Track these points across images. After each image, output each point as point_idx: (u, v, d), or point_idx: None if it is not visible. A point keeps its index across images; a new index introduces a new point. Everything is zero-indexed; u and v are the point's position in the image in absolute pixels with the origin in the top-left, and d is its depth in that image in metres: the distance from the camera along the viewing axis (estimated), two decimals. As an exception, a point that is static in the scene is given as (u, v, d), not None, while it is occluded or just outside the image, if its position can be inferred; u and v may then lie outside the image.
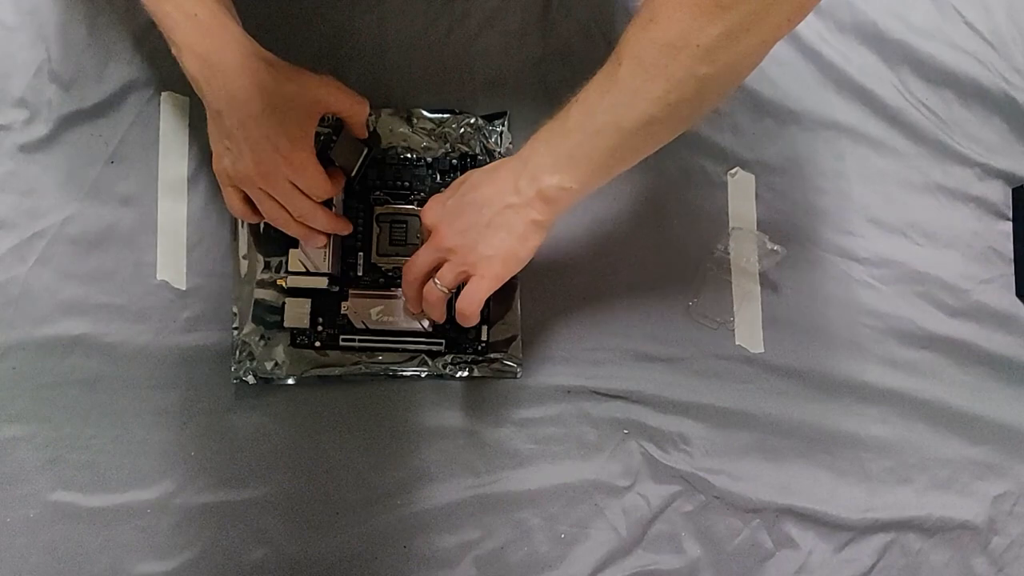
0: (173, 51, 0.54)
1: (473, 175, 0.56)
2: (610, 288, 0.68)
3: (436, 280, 0.57)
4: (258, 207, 0.58)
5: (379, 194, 0.66)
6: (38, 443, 0.65)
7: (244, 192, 0.57)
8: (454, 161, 0.67)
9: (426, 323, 0.65)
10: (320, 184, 0.57)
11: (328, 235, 0.62)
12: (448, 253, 0.56)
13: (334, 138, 0.61)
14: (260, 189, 0.56)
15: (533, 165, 0.52)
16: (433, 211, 0.57)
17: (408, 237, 0.66)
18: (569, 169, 0.51)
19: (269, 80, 0.53)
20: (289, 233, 0.60)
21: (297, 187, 0.56)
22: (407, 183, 0.66)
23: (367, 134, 0.61)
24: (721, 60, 0.46)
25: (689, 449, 0.67)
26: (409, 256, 0.63)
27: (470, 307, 0.55)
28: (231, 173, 0.56)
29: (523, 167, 0.53)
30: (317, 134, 0.57)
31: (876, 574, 0.67)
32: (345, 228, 0.62)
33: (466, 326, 0.58)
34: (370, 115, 0.66)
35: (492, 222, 0.54)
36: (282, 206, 0.57)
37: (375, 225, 0.66)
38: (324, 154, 0.60)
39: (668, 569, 0.66)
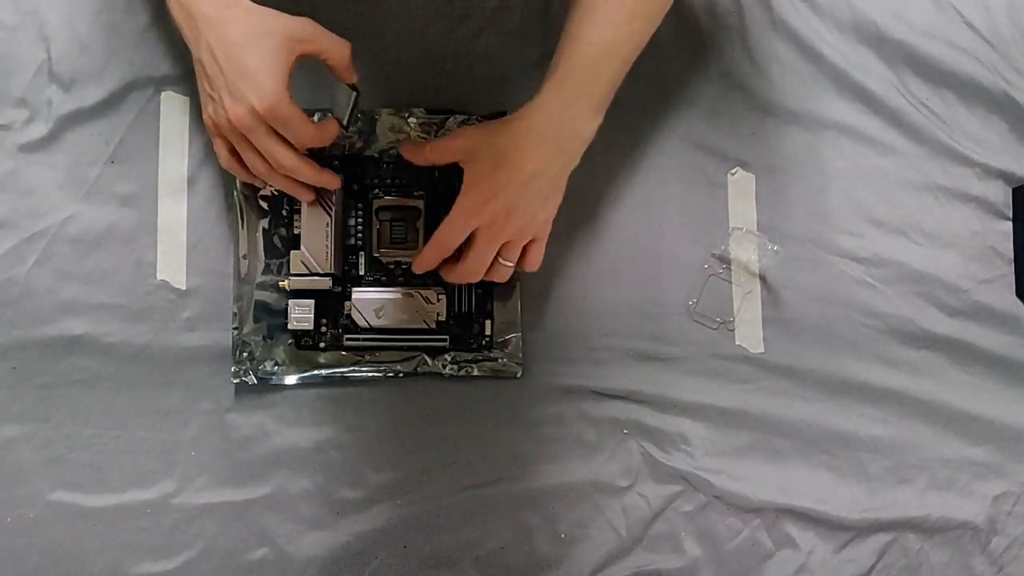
0: None
1: (502, 149, 0.56)
2: (610, 288, 0.68)
3: (504, 261, 0.59)
4: (242, 157, 0.57)
5: (378, 192, 0.66)
6: (38, 443, 0.65)
7: (231, 145, 0.57)
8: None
9: (431, 319, 0.65)
10: (301, 129, 0.55)
11: (320, 199, 0.62)
12: (520, 235, 0.58)
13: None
14: (240, 138, 0.55)
15: (570, 118, 0.56)
16: (491, 198, 0.56)
17: (408, 234, 0.66)
18: (603, 108, 0.57)
19: (245, 20, 0.53)
20: (275, 186, 0.59)
21: (280, 136, 0.55)
22: (406, 181, 0.66)
23: (355, 77, 0.59)
24: None
25: (689, 449, 0.67)
26: (409, 251, 0.65)
27: (537, 265, 0.61)
28: (215, 120, 0.55)
29: (559, 123, 0.56)
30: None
31: (876, 574, 0.67)
32: (332, 181, 0.60)
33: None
34: (359, 97, 0.66)
35: (548, 190, 0.58)
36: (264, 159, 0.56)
37: (375, 221, 0.66)
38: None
39: (668, 569, 0.66)
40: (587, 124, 0.57)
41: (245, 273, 0.66)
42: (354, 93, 0.59)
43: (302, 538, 0.65)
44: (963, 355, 0.69)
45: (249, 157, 0.56)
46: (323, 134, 0.57)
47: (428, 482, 0.66)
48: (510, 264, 0.60)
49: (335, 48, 0.57)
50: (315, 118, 0.64)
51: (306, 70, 0.57)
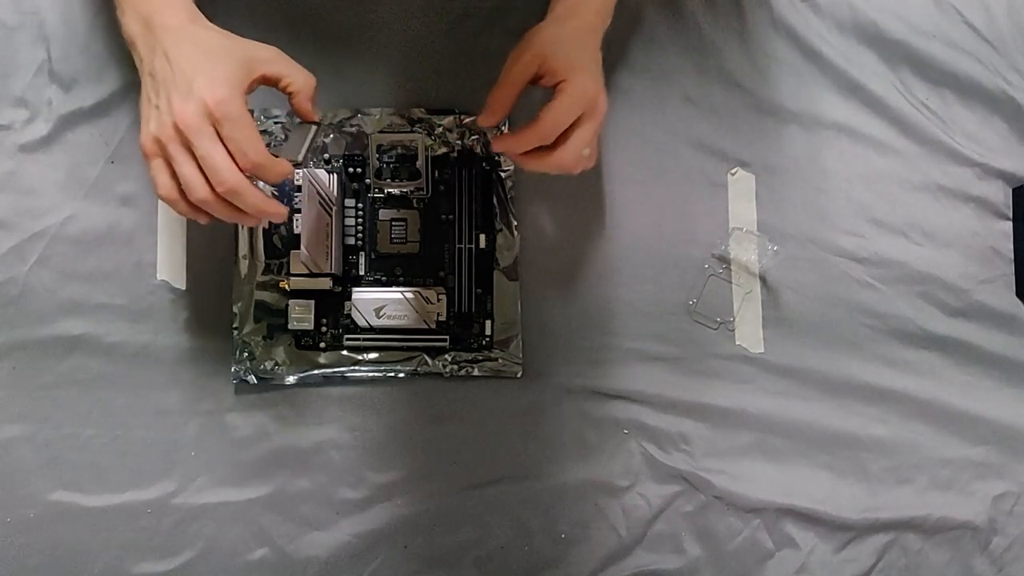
0: (118, 14, 0.53)
1: (569, 34, 0.56)
2: (610, 288, 0.68)
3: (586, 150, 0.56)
4: (177, 172, 0.49)
5: (378, 192, 0.66)
6: (38, 443, 0.65)
7: (171, 168, 0.50)
8: (454, 160, 0.67)
9: (431, 319, 0.65)
10: (250, 135, 0.49)
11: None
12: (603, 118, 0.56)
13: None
14: (182, 148, 0.49)
15: (601, 24, 0.58)
16: (594, 83, 0.55)
17: (408, 234, 0.66)
18: (605, 26, 0.59)
19: (206, 36, 0.51)
20: (215, 215, 0.51)
21: (224, 145, 0.49)
22: (406, 180, 0.66)
23: (316, 115, 0.55)
24: None
25: (689, 449, 0.67)
26: (408, 253, 0.65)
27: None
28: (156, 132, 0.49)
29: (600, 27, 0.58)
30: None
31: (876, 574, 0.67)
32: (279, 214, 0.53)
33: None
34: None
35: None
36: (205, 176, 0.49)
37: (375, 223, 0.66)
38: None
39: (668, 569, 0.66)
40: (601, 32, 0.58)
41: (245, 273, 0.66)
42: (314, 126, 0.56)
43: (302, 538, 0.65)
44: (963, 355, 0.69)
45: (188, 174, 0.49)
46: (277, 168, 0.51)
47: (428, 482, 0.66)
48: (589, 152, 0.57)
49: (299, 76, 0.54)
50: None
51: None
